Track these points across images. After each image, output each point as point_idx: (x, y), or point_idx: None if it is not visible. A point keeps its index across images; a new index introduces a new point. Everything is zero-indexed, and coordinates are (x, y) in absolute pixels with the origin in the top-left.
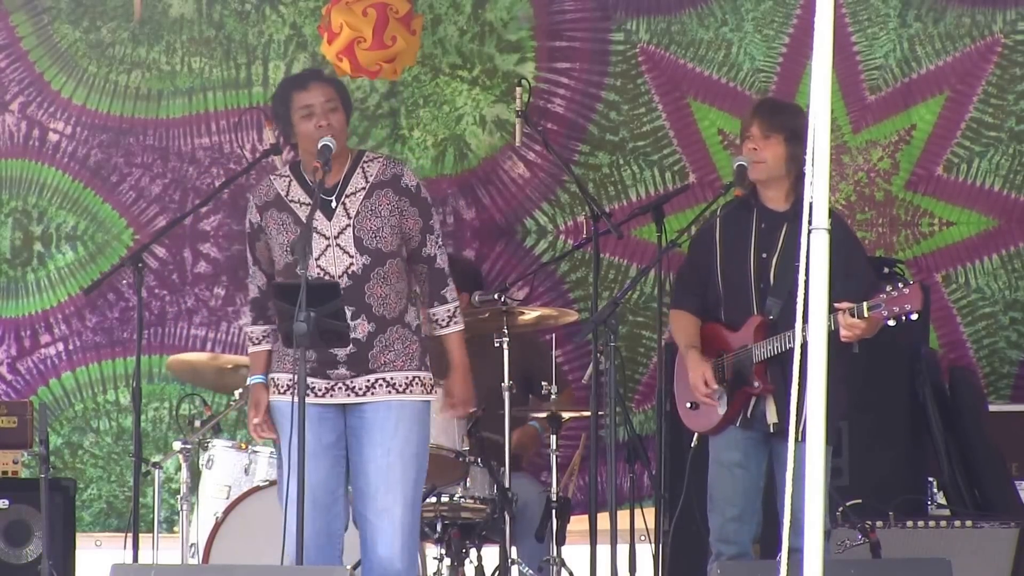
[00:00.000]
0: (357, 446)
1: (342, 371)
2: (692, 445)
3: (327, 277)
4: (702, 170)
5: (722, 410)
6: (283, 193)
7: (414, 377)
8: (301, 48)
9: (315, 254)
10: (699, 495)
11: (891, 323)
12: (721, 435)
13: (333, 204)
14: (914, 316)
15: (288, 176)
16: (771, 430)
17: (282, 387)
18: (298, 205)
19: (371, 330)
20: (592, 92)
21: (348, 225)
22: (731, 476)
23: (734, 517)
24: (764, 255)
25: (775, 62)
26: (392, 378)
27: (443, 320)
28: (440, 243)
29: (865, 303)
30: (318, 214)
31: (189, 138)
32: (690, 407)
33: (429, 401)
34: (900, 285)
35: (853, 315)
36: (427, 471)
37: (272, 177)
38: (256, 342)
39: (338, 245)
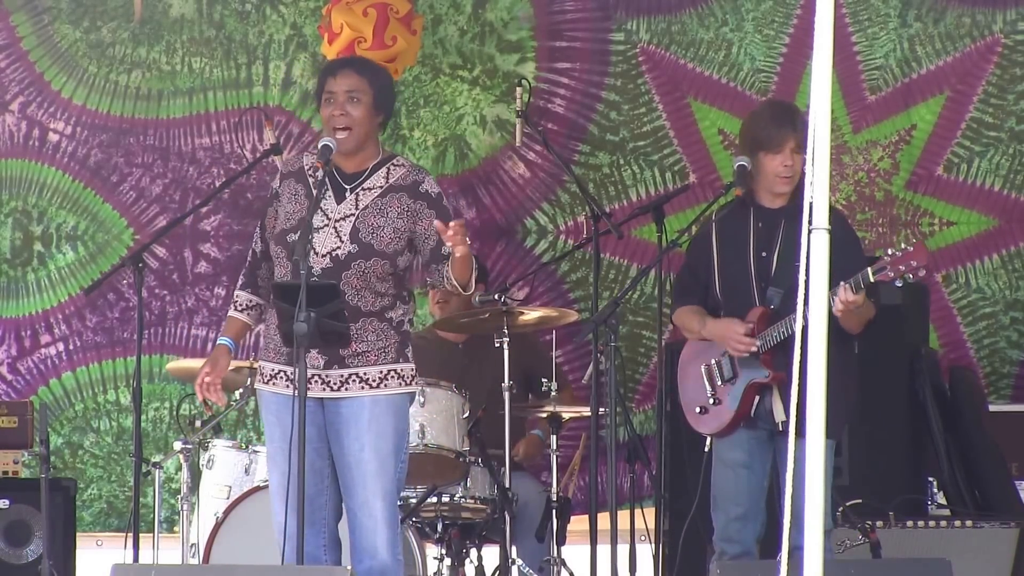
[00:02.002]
0: (336, 441)
1: (316, 360)
2: (707, 449)
3: (312, 253)
4: (702, 170)
5: (733, 407)
6: (307, 168)
7: (389, 371)
8: (301, 48)
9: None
10: (702, 495)
11: (899, 284)
12: (728, 436)
13: (347, 192)
14: (922, 272)
15: (315, 166)
16: (779, 428)
17: (266, 375)
18: (313, 181)
19: None
20: (592, 92)
21: (352, 214)
22: (735, 476)
23: (738, 516)
24: (764, 254)
25: (775, 62)
26: (365, 373)
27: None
28: None
29: (870, 268)
30: (328, 194)
31: (189, 138)
32: (699, 412)
33: (408, 393)
34: (903, 245)
35: (853, 289)
36: (428, 471)
37: (306, 153)
38: (239, 309)
39: (335, 228)
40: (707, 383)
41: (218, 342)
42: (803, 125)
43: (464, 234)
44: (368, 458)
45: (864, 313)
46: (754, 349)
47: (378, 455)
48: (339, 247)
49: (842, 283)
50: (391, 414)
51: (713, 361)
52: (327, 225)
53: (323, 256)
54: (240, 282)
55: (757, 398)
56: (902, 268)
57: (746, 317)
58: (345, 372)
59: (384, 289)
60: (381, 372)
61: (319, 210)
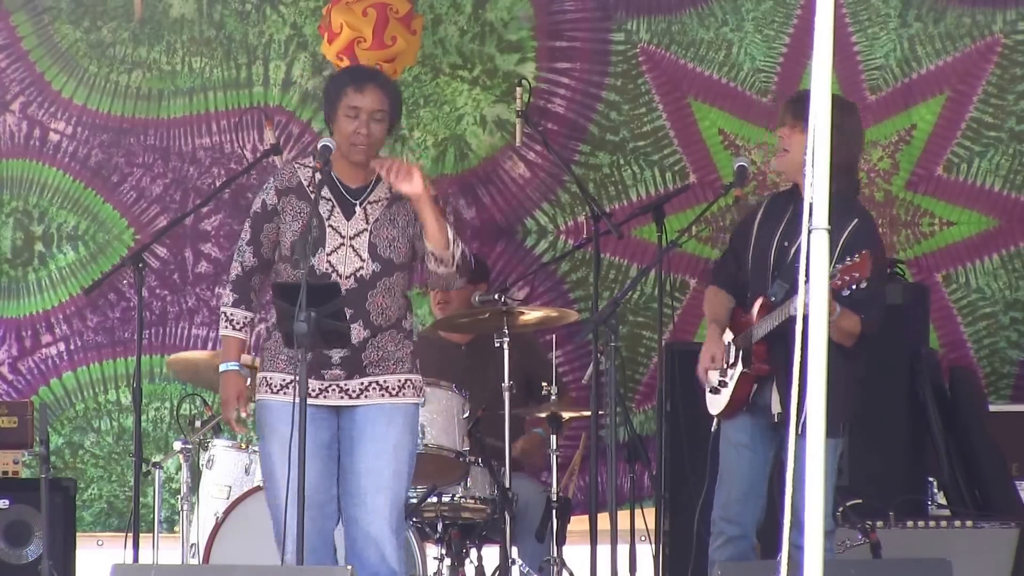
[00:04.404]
0: (349, 447)
1: (336, 371)
2: (712, 430)
3: (334, 274)
4: (702, 170)
5: (730, 392)
6: (306, 183)
7: (406, 380)
8: (301, 48)
9: (327, 249)
10: (710, 479)
11: (845, 293)
12: (733, 419)
13: (356, 207)
14: (863, 284)
15: (314, 167)
16: (775, 420)
17: (275, 386)
18: (320, 198)
19: (366, 336)
20: (592, 92)
21: (365, 230)
22: (739, 456)
23: (739, 497)
24: (786, 244)
25: (775, 62)
26: (385, 381)
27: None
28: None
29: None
30: (336, 211)
31: (190, 138)
32: (710, 391)
33: (419, 404)
34: (855, 255)
35: None
36: (428, 471)
37: (297, 165)
38: (237, 327)
39: (352, 247)
40: (723, 362)
41: (225, 369)
42: (801, 104)
43: (405, 171)
44: (383, 466)
45: (846, 326)
46: (711, 384)
47: (394, 463)
48: (362, 267)
49: None
50: (407, 423)
51: (727, 342)
52: (342, 244)
53: (347, 277)
54: (232, 298)
55: (755, 386)
56: (847, 278)
57: (752, 306)
58: (365, 380)
59: (403, 301)
60: (399, 381)
61: (331, 228)
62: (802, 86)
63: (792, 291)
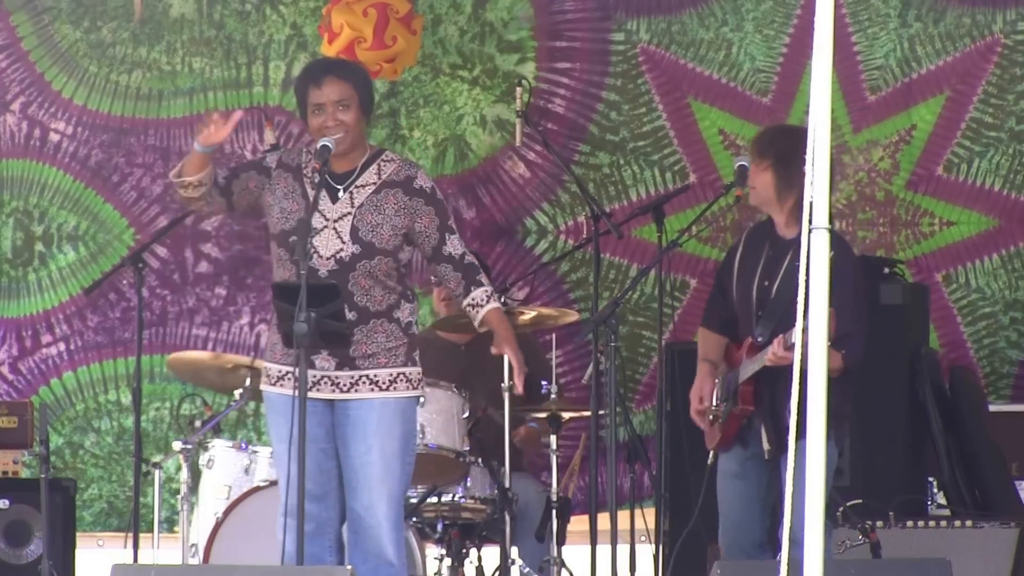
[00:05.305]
0: (343, 442)
1: (325, 360)
2: (709, 462)
3: (316, 256)
4: (702, 170)
5: (718, 426)
6: (304, 166)
7: (399, 374)
8: (301, 48)
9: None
10: (703, 503)
11: None
12: (727, 450)
13: (340, 192)
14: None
15: (312, 156)
16: (765, 456)
17: (273, 377)
18: (309, 182)
19: (351, 319)
20: (592, 92)
21: (349, 213)
22: (730, 486)
23: (734, 524)
24: (766, 283)
25: (775, 62)
26: (375, 375)
27: (482, 300)
28: (462, 241)
29: (796, 331)
30: (323, 195)
31: (190, 138)
32: (706, 422)
33: (416, 397)
34: None
35: (784, 345)
36: (428, 471)
37: (304, 148)
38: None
39: (335, 229)
40: (715, 397)
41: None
42: (762, 140)
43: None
44: (374, 460)
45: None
46: (700, 420)
47: (384, 458)
48: (342, 249)
49: (780, 336)
50: (399, 417)
51: (721, 378)
52: (326, 227)
53: (328, 259)
54: None
55: (744, 422)
56: None
57: (741, 346)
58: (355, 374)
59: (391, 285)
60: (391, 375)
61: (316, 211)
62: (802, 86)
63: (777, 330)
